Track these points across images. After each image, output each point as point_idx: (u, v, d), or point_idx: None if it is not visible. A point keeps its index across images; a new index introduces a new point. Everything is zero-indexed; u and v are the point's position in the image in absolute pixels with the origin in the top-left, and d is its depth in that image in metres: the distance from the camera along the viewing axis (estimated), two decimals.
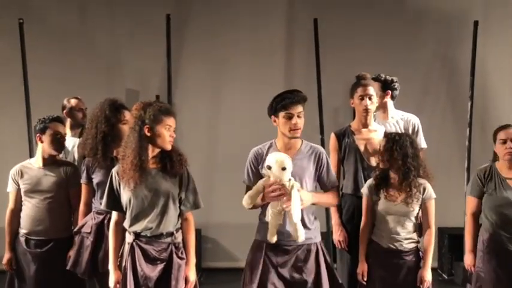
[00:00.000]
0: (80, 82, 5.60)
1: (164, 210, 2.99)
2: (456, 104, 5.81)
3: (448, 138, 5.75)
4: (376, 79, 3.98)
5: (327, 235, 4.63)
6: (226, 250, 5.89)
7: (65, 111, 4.38)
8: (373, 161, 3.58)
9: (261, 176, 3.09)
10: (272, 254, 3.11)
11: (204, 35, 5.85)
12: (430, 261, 3.37)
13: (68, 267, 3.47)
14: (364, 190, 3.47)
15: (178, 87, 5.77)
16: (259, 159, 3.17)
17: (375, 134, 3.69)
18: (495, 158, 3.60)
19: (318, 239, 3.20)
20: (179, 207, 3.06)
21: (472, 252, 3.54)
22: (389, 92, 4.03)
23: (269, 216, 3.02)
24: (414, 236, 3.38)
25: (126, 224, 3.04)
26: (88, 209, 3.54)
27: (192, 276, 3.06)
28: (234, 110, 5.84)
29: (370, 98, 3.65)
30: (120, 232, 3.06)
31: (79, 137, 4.22)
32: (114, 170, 3.06)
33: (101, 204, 3.33)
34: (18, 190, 3.64)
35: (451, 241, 5.46)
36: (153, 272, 2.97)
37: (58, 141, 3.60)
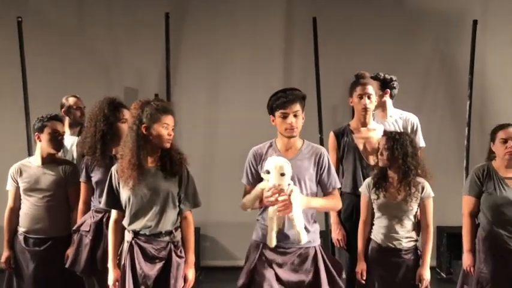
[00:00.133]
0: (79, 80, 5.59)
1: (163, 208, 2.99)
2: (455, 103, 5.81)
3: (446, 137, 5.76)
4: (375, 78, 3.98)
5: (325, 233, 4.64)
6: (225, 248, 5.89)
7: (63, 109, 4.38)
8: (372, 160, 3.59)
9: (260, 176, 3.04)
10: (269, 255, 3.04)
11: (203, 33, 5.84)
12: (428, 260, 3.38)
13: (66, 266, 3.47)
14: (362, 189, 3.47)
15: (177, 85, 5.77)
16: (258, 160, 3.10)
17: (373, 132, 3.69)
18: (490, 156, 3.59)
19: (316, 242, 3.13)
20: (178, 206, 3.06)
21: (470, 252, 3.52)
22: (388, 90, 4.04)
23: (268, 220, 2.96)
24: (413, 234, 3.39)
25: (125, 222, 3.04)
26: (87, 208, 3.54)
27: (191, 274, 3.06)
28: (233, 108, 5.84)
29: (369, 97, 3.66)
30: (120, 230, 3.06)
31: (78, 136, 4.22)
32: (113, 169, 3.06)
33: (99, 202, 3.34)
34: (17, 188, 3.64)
35: (449, 240, 5.46)
36: (152, 270, 2.98)
37: (56, 140, 3.60)
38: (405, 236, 3.35)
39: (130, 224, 3.02)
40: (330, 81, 5.53)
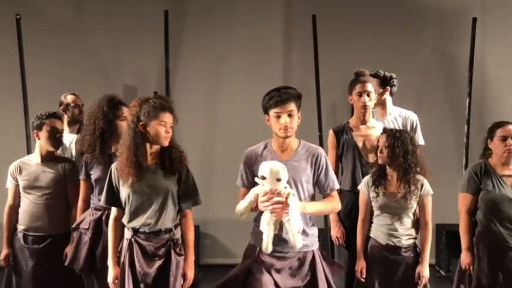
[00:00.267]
0: (78, 78, 5.59)
1: (163, 206, 2.99)
2: (454, 100, 5.81)
3: (446, 135, 5.75)
4: (374, 75, 3.99)
5: (325, 231, 4.64)
6: (224, 247, 5.89)
7: (61, 107, 4.38)
8: (372, 158, 3.58)
9: (256, 178, 2.93)
10: (267, 260, 2.93)
11: (202, 30, 5.83)
12: (427, 257, 3.38)
13: (65, 264, 3.47)
14: (361, 187, 3.47)
15: (176, 82, 5.76)
16: (253, 161, 2.98)
17: (373, 130, 3.69)
18: (486, 154, 3.58)
19: (314, 246, 3.03)
20: (178, 203, 3.06)
21: (469, 250, 3.51)
22: (389, 88, 4.04)
23: (264, 226, 2.83)
24: (412, 232, 3.39)
25: (124, 220, 3.04)
26: (86, 205, 3.54)
27: (191, 272, 3.06)
28: (232, 106, 5.83)
29: (368, 95, 3.66)
30: (119, 228, 3.06)
31: (77, 133, 4.22)
32: (113, 166, 3.05)
33: (99, 200, 3.33)
34: (17, 186, 3.64)
35: (448, 238, 5.46)
36: (151, 268, 2.97)
37: (55, 137, 3.60)
38: (405, 233, 3.35)
39: (129, 221, 3.01)
40: (329, 79, 5.52)
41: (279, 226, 2.85)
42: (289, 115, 2.91)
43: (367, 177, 3.46)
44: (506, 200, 3.44)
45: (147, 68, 5.83)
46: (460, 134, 5.58)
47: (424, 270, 3.35)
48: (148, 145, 3.00)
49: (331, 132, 3.79)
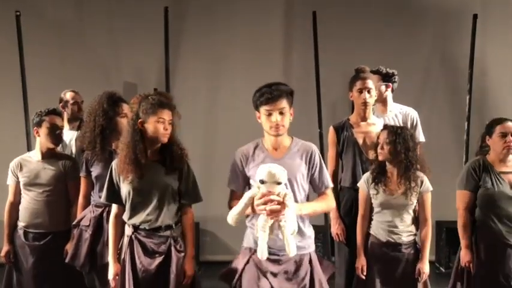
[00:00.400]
0: (78, 77, 5.56)
1: (163, 203, 2.99)
2: (454, 97, 5.80)
3: (446, 132, 5.75)
4: (376, 72, 3.99)
5: (325, 228, 4.63)
6: (224, 243, 5.89)
7: (61, 104, 4.38)
8: (371, 155, 3.58)
9: (247, 179, 2.88)
10: (263, 263, 2.82)
11: (202, 30, 5.81)
12: (427, 254, 3.39)
13: (66, 260, 3.48)
14: (361, 184, 3.47)
15: (176, 80, 5.76)
16: (244, 161, 2.88)
17: (373, 127, 3.69)
18: (483, 151, 3.58)
19: (311, 248, 2.94)
20: (179, 200, 3.06)
21: (469, 248, 3.50)
22: (391, 85, 4.04)
23: (259, 230, 2.69)
24: (412, 228, 3.39)
25: (125, 216, 3.04)
26: (87, 202, 3.54)
27: (191, 269, 3.06)
28: (232, 103, 5.81)
29: (368, 91, 3.65)
30: (120, 225, 3.07)
31: (77, 130, 4.22)
32: (114, 163, 3.06)
33: (99, 197, 3.34)
34: (18, 183, 3.64)
35: (448, 234, 5.46)
36: (151, 265, 2.98)
37: (55, 134, 3.60)
38: (405, 230, 3.35)
39: (130, 218, 3.02)
40: (329, 76, 5.52)
41: (274, 230, 2.72)
42: (281, 113, 2.80)
43: (367, 174, 3.46)
44: (505, 197, 3.44)
45: (147, 68, 5.82)
46: (460, 130, 5.58)
47: (424, 267, 3.35)
48: (147, 142, 2.99)
49: (331, 129, 3.79)
